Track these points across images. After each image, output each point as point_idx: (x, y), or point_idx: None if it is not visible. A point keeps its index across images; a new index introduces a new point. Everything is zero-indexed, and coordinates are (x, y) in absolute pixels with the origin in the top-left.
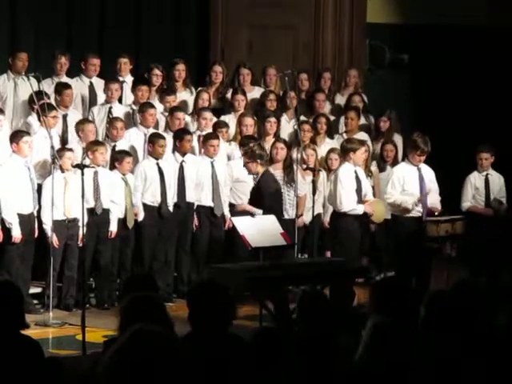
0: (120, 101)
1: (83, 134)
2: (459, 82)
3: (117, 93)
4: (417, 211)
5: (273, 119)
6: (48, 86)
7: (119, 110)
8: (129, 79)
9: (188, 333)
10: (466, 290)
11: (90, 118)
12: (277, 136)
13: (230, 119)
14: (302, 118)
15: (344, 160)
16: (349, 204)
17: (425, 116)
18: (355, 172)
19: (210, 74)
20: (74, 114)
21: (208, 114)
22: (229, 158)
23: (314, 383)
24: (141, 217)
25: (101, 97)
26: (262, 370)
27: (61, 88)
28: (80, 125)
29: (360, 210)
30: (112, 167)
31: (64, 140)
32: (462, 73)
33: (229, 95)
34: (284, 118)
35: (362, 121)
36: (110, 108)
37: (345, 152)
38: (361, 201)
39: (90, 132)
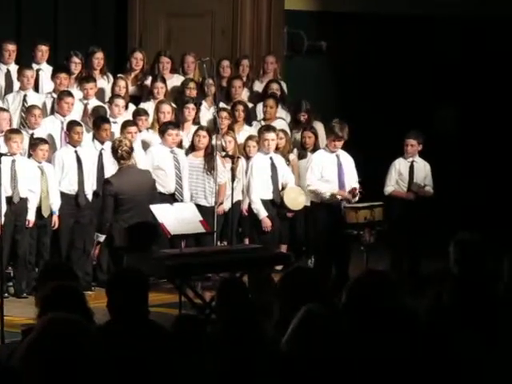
0: (36, 89)
1: None
2: (377, 70)
3: (32, 80)
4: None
5: (191, 105)
6: None
7: (34, 98)
8: (45, 67)
9: (107, 321)
10: (384, 277)
11: (5, 106)
12: (199, 124)
13: (150, 107)
14: (222, 105)
15: (259, 147)
16: (254, 194)
17: (343, 103)
18: (271, 159)
19: (130, 61)
20: None
21: (120, 101)
22: (147, 146)
23: (236, 372)
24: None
25: (16, 84)
26: (183, 358)
27: None
28: None
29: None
30: (29, 155)
31: None
32: (381, 60)
33: (148, 82)
34: (204, 105)
35: (280, 108)
36: (25, 96)
37: (259, 139)
38: (277, 188)
39: (3, 120)
